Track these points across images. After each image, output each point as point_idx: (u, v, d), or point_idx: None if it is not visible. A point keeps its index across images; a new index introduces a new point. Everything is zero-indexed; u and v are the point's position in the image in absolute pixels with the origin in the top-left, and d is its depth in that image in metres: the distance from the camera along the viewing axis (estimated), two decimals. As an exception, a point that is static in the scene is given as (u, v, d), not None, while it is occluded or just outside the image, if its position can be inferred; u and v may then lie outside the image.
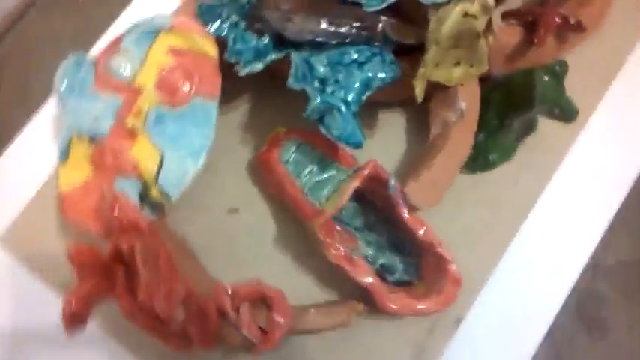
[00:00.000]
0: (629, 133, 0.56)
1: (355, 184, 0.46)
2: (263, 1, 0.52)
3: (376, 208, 0.52)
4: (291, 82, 0.46)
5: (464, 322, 0.52)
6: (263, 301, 0.46)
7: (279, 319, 0.44)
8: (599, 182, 0.55)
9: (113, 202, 0.43)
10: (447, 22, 0.43)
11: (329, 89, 0.47)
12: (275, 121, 0.54)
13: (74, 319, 0.39)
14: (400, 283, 0.51)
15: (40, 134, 0.57)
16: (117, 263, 0.42)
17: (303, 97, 0.48)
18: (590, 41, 0.57)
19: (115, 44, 0.52)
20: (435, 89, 0.52)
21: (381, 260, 0.51)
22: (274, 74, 0.51)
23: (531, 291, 0.53)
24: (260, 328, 0.44)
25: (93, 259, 0.41)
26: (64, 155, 0.50)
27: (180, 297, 0.41)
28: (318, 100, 0.45)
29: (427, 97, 0.51)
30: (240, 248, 0.54)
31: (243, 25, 0.52)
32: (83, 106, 0.50)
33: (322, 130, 0.46)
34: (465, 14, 0.43)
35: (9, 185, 0.57)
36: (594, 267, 1.14)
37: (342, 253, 0.47)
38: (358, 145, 0.46)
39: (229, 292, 0.45)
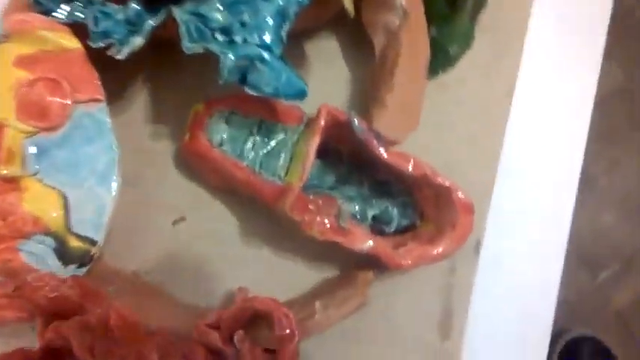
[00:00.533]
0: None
1: (315, 141, 0.36)
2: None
3: (343, 157, 0.43)
4: (188, 46, 0.35)
5: (484, 244, 0.45)
6: (257, 317, 0.37)
7: (285, 333, 0.35)
8: (572, 38, 0.48)
9: (22, 285, 0.32)
10: None
11: (238, 38, 0.36)
12: (188, 100, 0.43)
13: None
14: (402, 231, 0.43)
15: None
16: None
17: (212, 60, 0.37)
18: None
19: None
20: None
21: (371, 212, 0.42)
22: (164, 43, 0.40)
23: (542, 186, 0.46)
24: (266, 350, 0.35)
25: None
26: None
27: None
28: (231, 56, 0.34)
29: (357, 9, 0.41)
30: (204, 260, 0.45)
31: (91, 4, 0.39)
32: None
33: (249, 91, 0.35)
34: None
35: None
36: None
37: (328, 226, 0.38)
38: (301, 94, 0.35)
39: (213, 323, 0.35)
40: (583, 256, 1.07)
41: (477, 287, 0.44)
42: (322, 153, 0.43)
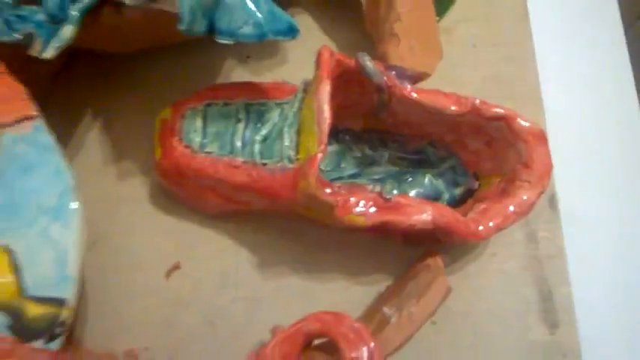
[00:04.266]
0: None
1: (324, 88, 0.27)
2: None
3: (359, 134, 0.34)
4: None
5: (560, 199, 0.35)
6: (312, 349, 0.26)
7: (362, 354, 0.24)
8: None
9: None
10: None
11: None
12: (154, 111, 0.34)
13: None
14: (458, 202, 0.33)
15: None
16: None
17: (173, 57, 0.30)
18: None
19: None
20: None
21: (410, 191, 0.33)
22: (104, 48, 0.32)
23: (598, 114, 0.38)
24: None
25: None
26: None
27: None
28: (186, 5, 0.25)
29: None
30: (216, 311, 0.33)
31: (6, 1, 0.31)
32: None
33: (223, 40, 0.27)
34: None
35: None
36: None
37: (373, 202, 0.28)
38: (292, 30, 0.27)
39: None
40: None
41: (570, 254, 0.34)
42: (333, 137, 0.34)
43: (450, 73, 0.35)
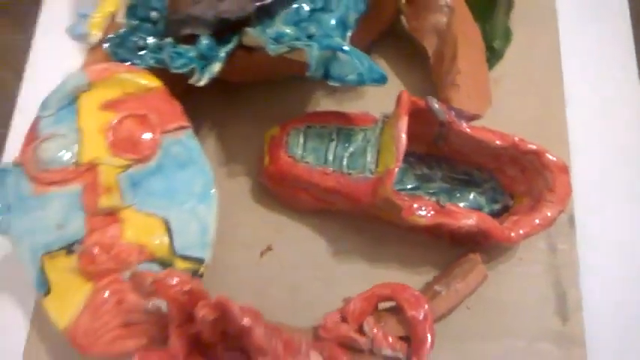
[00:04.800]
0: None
1: (403, 122, 0.37)
2: (177, 5, 0.42)
3: (420, 156, 0.44)
4: (272, 48, 0.37)
5: (576, 219, 0.44)
6: (382, 312, 0.35)
7: (420, 313, 0.33)
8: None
9: (156, 284, 0.30)
10: None
11: (313, 40, 0.38)
12: (257, 128, 0.45)
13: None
14: (495, 215, 0.42)
15: None
16: (195, 356, 0.30)
17: (274, 91, 0.41)
18: None
19: (32, 136, 0.40)
20: (407, 4, 0.45)
21: (461, 204, 0.42)
22: (231, 80, 0.42)
23: (613, 151, 0.47)
24: (400, 337, 0.33)
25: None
26: (43, 285, 0.37)
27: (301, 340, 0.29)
28: (316, 48, 0.36)
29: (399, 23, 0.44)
30: (299, 286, 0.43)
31: (167, 41, 0.42)
32: (35, 219, 0.37)
33: (334, 83, 0.37)
34: None
35: None
36: None
37: (431, 208, 0.37)
38: (382, 78, 0.37)
39: (341, 318, 0.33)
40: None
41: (582, 264, 0.43)
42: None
43: (497, 114, 0.45)
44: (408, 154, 0.44)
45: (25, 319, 0.44)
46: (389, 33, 0.48)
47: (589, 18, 0.50)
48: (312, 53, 0.35)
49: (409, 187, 0.44)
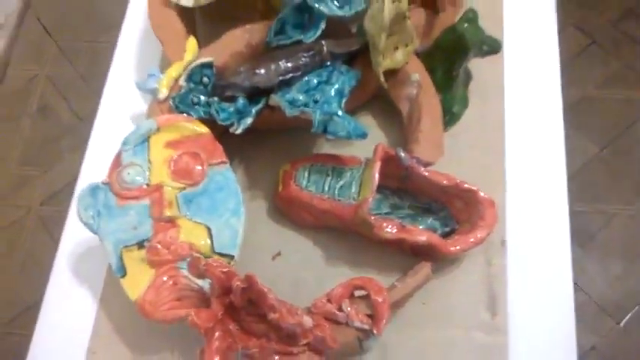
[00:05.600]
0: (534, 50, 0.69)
1: (377, 166, 0.53)
2: (223, 74, 0.59)
3: (392, 189, 0.60)
4: (289, 111, 0.53)
5: (508, 242, 0.59)
6: (353, 292, 0.51)
7: (381, 298, 0.48)
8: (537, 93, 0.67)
9: (205, 267, 0.46)
10: (385, 12, 0.52)
11: (317, 108, 0.54)
12: (279, 160, 0.61)
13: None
14: (445, 236, 0.58)
15: (73, 270, 0.60)
16: (228, 318, 0.45)
17: (288, 138, 0.57)
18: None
19: (116, 163, 0.56)
20: (388, 78, 0.61)
21: (421, 227, 0.58)
22: (260, 125, 0.59)
23: (539, 193, 0.62)
24: (367, 315, 0.49)
25: (210, 318, 0.44)
26: (121, 270, 0.53)
27: (297, 308, 0.45)
28: (318, 114, 0.52)
29: (391, 83, 0.60)
30: (300, 282, 0.59)
31: (215, 100, 0.59)
32: (117, 223, 0.54)
33: (330, 136, 0.53)
34: (393, 1, 0.53)
35: (60, 338, 0.59)
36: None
37: (395, 226, 0.53)
38: (364, 135, 0.53)
39: (324, 300, 0.49)
40: (603, 305, 1.18)
41: (509, 274, 0.58)
42: (378, 191, 0.59)
43: (453, 161, 0.60)
44: (384, 188, 0.60)
45: (95, 297, 0.60)
46: (378, 97, 0.64)
47: (526, 93, 0.66)
48: (316, 116, 0.52)
49: (384, 212, 0.59)
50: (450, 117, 0.63)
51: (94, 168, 0.68)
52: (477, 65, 0.65)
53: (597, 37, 1.47)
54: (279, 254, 0.61)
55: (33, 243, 1.52)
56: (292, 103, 0.56)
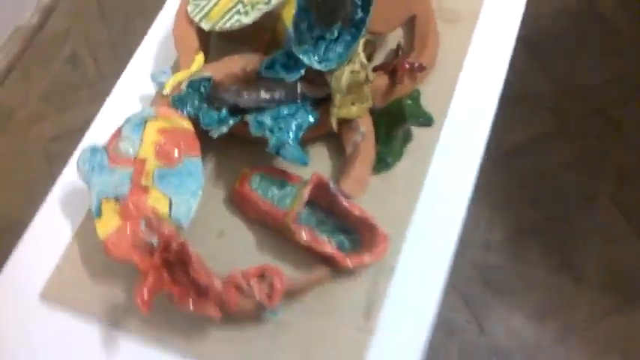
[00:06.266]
0: (469, 129, 0.85)
1: (308, 188, 0.70)
2: (216, 88, 0.76)
3: (322, 208, 0.76)
4: (253, 132, 0.70)
5: (396, 269, 0.75)
6: (263, 275, 0.67)
7: (279, 284, 0.65)
8: (456, 159, 0.83)
9: (155, 227, 0.63)
10: (343, 78, 0.69)
11: (276, 134, 0.71)
12: (241, 164, 0.78)
13: (147, 303, 0.58)
14: (350, 252, 0.74)
15: (62, 205, 0.77)
16: (164, 267, 0.62)
17: (256, 148, 0.73)
18: (432, 73, 0.86)
19: (117, 133, 0.73)
20: (343, 123, 0.78)
21: (334, 241, 0.74)
22: (233, 134, 0.75)
23: (430, 242, 0.78)
24: (266, 294, 0.65)
25: (150, 265, 0.61)
26: (98, 213, 0.69)
27: (214, 274, 0.62)
28: (274, 140, 0.69)
29: (339, 129, 0.77)
30: (235, 259, 0.75)
31: (205, 105, 0.75)
32: (105, 179, 0.70)
33: (281, 158, 0.70)
34: (352, 71, 0.70)
35: (39, 250, 0.76)
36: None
37: (310, 235, 0.70)
38: (305, 163, 0.70)
39: (240, 275, 0.65)
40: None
41: (390, 294, 0.74)
42: (310, 205, 0.76)
43: (372, 198, 0.77)
44: (316, 205, 0.76)
45: (72, 230, 0.77)
46: (334, 135, 0.81)
47: (451, 156, 0.82)
48: (272, 141, 0.69)
49: (312, 224, 0.76)
50: (383, 165, 0.80)
51: (101, 126, 0.85)
52: (418, 130, 0.82)
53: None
54: (223, 234, 0.77)
55: (32, 171, 1.69)
56: (260, 124, 0.72)
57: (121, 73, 0.91)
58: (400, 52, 0.83)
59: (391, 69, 0.81)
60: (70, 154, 0.84)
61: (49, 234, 0.78)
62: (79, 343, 0.72)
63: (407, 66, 0.80)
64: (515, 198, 1.54)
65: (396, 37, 0.89)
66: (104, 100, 0.90)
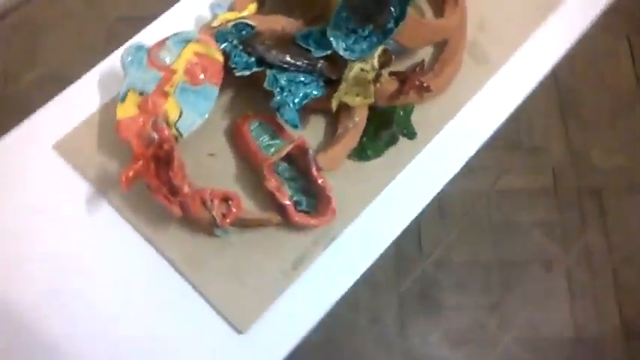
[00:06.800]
0: (449, 156, 0.96)
1: (289, 146, 0.83)
2: (255, 37, 0.89)
3: (298, 169, 0.89)
4: (266, 85, 0.83)
5: (336, 240, 0.89)
6: (226, 199, 0.81)
7: (234, 209, 0.79)
8: (425, 171, 0.95)
9: (159, 127, 0.77)
10: (351, 72, 0.81)
11: (284, 94, 0.84)
12: (248, 107, 0.91)
13: (129, 181, 0.73)
14: (306, 212, 0.88)
15: (100, 80, 0.93)
16: (153, 159, 0.77)
17: (266, 98, 0.86)
18: (438, 98, 0.97)
19: (162, 42, 0.87)
20: (343, 107, 0.90)
21: (295, 197, 0.88)
22: (252, 80, 0.88)
23: (372, 234, 0.91)
24: (222, 214, 0.80)
25: (143, 154, 0.76)
26: (123, 98, 0.84)
27: (187, 179, 0.76)
28: (279, 98, 0.82)
29: (338, 111, 0.89)
30: (220, 178, 0.89)
31: (240, 47, 0.88)
32: (139, 74, 0.84)
33: (278, 115, 0.83)
34: (361, 69, 0.82)
35: (68, 109, 0.91)
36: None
37: (275, 183, 0.83)
38: (295, 126, 0.83)
39: (209, 192, 0.80)
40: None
41: (321, 259, 0.88)
42: (290, 161, 0.89)
43: (343, 176, 0.90)
44: (294, 164, 0.89)
45: (100, 102, 0.92)
46: (330, 114, 0.93)
47: (423, 168, 0.94)
48: (277, 98, 0.82)
49: (285, 177, 0.89)
50: (363, 155, 0.92)
51: (156, 29, 0.99)
52: (405, 139, 0.94)
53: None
54: (213, 155, 0.91)
55: (94, 39, 1.86)
56: (275, 80, 0.85)
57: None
58: (418, 68, 0.94)
59: (403, 79, 0.92)
60: (129, 38, 0.98)
61: (81, 100, 0.93)
62: (69, 195, 0.88)
63: (417, 83, 0.92)
64: (478, 228, 1.65)
65: (427, 53, 1.00)
66: (173, 5, 1.03)
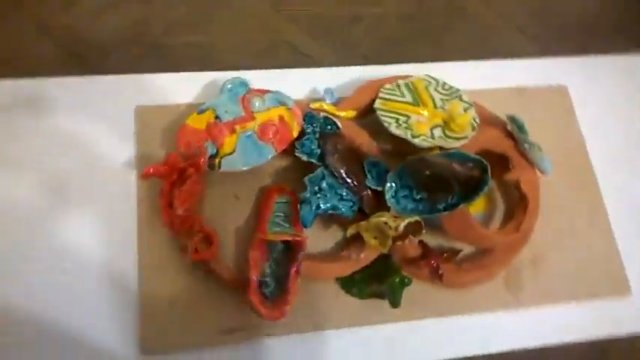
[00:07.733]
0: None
1: (288, 238, 0.88)
2: (333, 136, 0.95)
3: (287, 257, 0.93)
4: (307, 179, 0.89)
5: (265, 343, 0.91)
6: (209, 240, 0.87)
7: (206, 250, 0.85)
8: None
9: (203, 150, 0.86)
10: (374, 220, 0.85)
11: (318, 195, 0.90)
12: (292, 182, 0.97)
13: (147, 175, 0.82)
14: (267, 296, 0.91)
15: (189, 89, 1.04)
16: (174, 174, 0.85)
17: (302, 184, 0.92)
18: (448, 293, 0.97)
19: (264, 92, 0.96)
20: (358, 239, 0.93)
21: (267, 278, 0.91)
22: (304, 165, 0.94)
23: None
24: (196, 249, 0.86)
25: (172, 163, 0.85)
26: (201, 111, 0.93)
27: (187, 205, 0.84)
28: (308, 195, 0.88)
29: (353, 237, 0.93)
30: (227, 216, 0.96)
31: (316, 135, 0.95)
32: (227, 102, 0.94)
33: (298, 207, 0.88)
34: (385, 223, 0.85)
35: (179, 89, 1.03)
36: None
37: (256, 256, 0.88)
38: (305, 226, 0.88)
39: (199, 222, 0.86)
40: None
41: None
42: (285, 245, 0.93)
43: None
44: (286, 250, 0.93)
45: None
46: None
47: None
48: (306, 194, 0.87)
49: (272, 256, 0.94)
50: (347, 287, 0.94)
51: (269, 75, 1.08)
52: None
53: None
54: (238, 198, 0.98)
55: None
56: (318, 179, 0.91)
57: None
58: (447, 255, 0.96)
59: (425, 253, 0.94)
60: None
61: (190, 88, 1.04)
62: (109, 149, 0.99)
63: (434, 265, 0.93)
64: None
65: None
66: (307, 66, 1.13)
